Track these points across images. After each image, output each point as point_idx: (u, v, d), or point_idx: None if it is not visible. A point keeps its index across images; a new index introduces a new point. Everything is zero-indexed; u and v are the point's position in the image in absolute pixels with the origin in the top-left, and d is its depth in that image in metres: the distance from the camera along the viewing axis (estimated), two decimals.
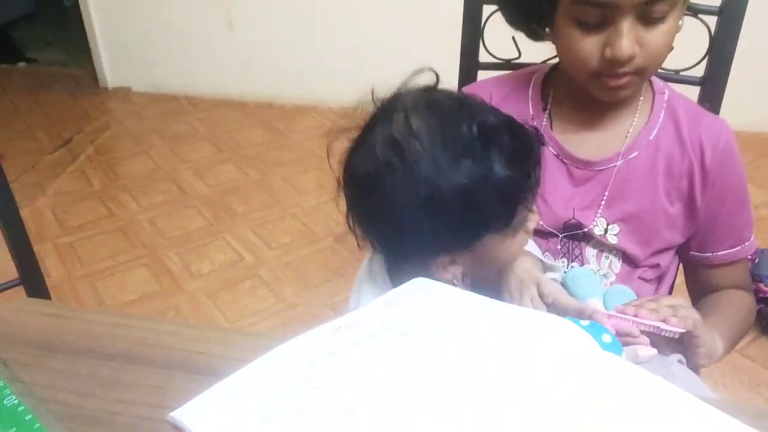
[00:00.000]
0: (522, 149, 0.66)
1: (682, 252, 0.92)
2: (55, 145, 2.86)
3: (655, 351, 0.62)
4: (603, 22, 0.73)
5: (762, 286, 1.71)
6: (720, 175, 0.85)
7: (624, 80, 0.76)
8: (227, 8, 3.06)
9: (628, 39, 0.72)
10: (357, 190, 0.69)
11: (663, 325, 0.67)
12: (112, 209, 2.38)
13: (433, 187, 0.62)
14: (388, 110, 0.67)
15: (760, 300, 1.68)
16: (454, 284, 0.70)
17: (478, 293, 0.62)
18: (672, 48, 0.78)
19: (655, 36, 0.73)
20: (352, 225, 0.71)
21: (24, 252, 1.20)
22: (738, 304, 0.91)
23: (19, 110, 3.22)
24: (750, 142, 2.52)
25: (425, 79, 0.69)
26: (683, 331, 0.68)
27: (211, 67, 3.22)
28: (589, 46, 0.75)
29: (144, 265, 2.07)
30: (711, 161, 0.84)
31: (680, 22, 0.78)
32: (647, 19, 0.72)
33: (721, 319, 0.84)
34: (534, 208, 0.72)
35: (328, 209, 2.28)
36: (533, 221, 0.73)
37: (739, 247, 0.89)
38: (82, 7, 3.24)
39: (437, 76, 0.70)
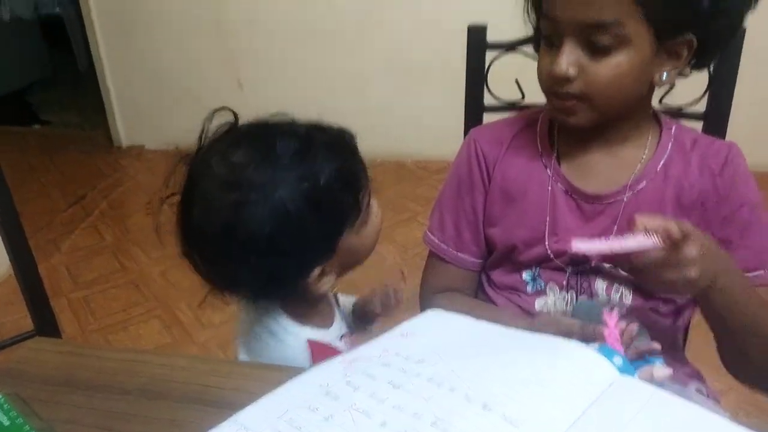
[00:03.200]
0: (338, 141, 0.70)
1: None
2: (69, 203, 2.91)
3: (670, 370, 0.61)
4: (556, 40, 0.77)
5: None
6: (735, 198, 0.84)
7: (568, 103, 0.79)
8: (236, 69, 3.16)
9: (565, 58, 0.75)
10: (212, 245, 0.67)
11: (632, 241, 0.64)
12: (124, 263, 2.40)
13: (283, 206, 0.63)
14: (203, 161, 0.67)
15: None
16: (328, 294, 0.73)
17: None
18: (631, 88, 0.78)
19: (597, 67, 0.75)
20: (215, 283, 0.71)
21: (40, 303, 1.22)
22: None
23: (35, 170, 3.29)
24: (766, 180, 2.51)
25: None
26: (658, 245, 0.65)
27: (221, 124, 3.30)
28: (545, 61, 0.79)
29: (156, 317, 2.07)
30: (723, 186, 0.83)
31: (665, 75, 0.78)
32: (591, 47, 0.75)
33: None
34: (372, 202, 0.74)
35: None
36: (375, 214, 0.74)
37: (761, 271, 0.84)
38: (97, 71, 3.36)
39: (235, 114, 0.71)
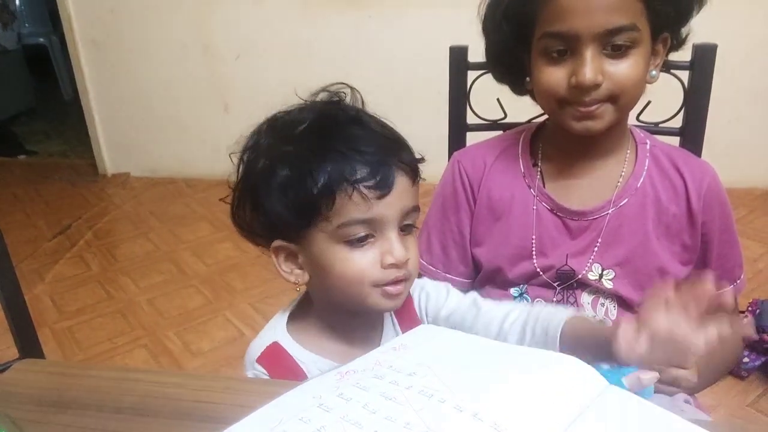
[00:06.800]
0: (331, 143, 0.70)
1: None
2: (54, 233, 2.89)
3: (656, 374, 0.62)
4: (569, 53, 0.79)
5: (766, 336, 1.70)
6: (707, 217, 0.87)
7: (594, 107, 0.80)
8: (223, 94, 3.18)
9: (592, 66, 0.77)
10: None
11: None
12: (110, 292, 2.38)
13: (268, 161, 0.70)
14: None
15: (765, 351, 1.68)
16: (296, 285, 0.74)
17: None
18: (643, 85, 0.82)
19: (619, 67, 0.78)
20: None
21: (25, 331, 1.22)
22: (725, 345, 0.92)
23: (19, 201, 3.26)
24: (742, 197, 2.56)
25: None
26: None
27: (208, 149, 3.30)
28: (558, 74, 0.80)
29: (143, 346, 2.05)
30: (697, 205, 0.87)
31: (654, 72, 0.84)
32: (608, 51, 0.78)
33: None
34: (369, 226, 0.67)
35: None
36: (372, 249, 0.68)
37: (731, 286, 0.91)
38: (82, 100, 3.36)
39: None
